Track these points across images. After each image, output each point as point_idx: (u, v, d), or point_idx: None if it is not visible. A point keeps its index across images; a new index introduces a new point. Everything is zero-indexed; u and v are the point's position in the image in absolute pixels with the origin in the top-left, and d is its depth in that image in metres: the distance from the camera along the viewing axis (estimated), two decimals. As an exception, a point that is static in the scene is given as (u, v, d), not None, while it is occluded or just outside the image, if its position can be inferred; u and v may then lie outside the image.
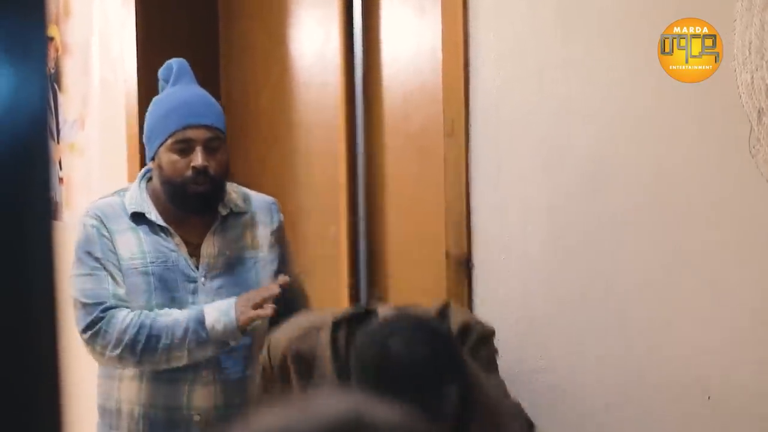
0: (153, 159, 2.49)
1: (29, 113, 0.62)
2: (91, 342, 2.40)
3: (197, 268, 2.49)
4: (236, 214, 2.56)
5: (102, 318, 2.38)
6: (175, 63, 2.54)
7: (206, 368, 2.47)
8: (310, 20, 3.15)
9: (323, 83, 3.08)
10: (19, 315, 0.63)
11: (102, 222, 2.47)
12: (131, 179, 3.34)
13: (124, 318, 2.37)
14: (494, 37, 2.36)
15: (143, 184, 2.54)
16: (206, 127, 2.46)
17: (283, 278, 2.44)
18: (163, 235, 2.49)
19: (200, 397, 2.47)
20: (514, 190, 2.32)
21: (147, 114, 2.53)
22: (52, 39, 3.84)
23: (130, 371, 2.48)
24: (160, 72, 2.55)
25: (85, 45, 3.67)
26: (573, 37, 2.20)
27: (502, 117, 2.35)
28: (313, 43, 3.13)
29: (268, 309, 2.35)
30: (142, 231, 2.48)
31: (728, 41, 1.94)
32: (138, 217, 2.49)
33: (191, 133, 2.44)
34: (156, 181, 2.51)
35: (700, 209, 1.99)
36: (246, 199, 2.61)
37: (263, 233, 2.57)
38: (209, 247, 2.52)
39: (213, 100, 2.55)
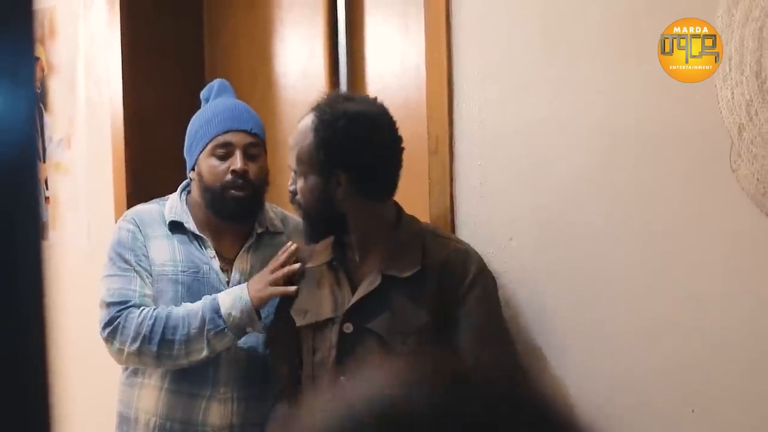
0: (193, 168, 2.51)
1: (18, 135, 0.63)
2: (110, 339, 2.41)
3: (227, 282, 2.49)
4: (272, 233, 2.56)
5: (120, 315, 2.40)
6: (216, 82, 2.61)
7: (225, 385, 2.47)
8: (295, 38, 3.17)
9: (308, 101, 3.09)
10: (8, 336, 0.63)
11: (137, 226, 2.49)
12: (118, 198, 3.35)
13: (140, 312, 2.39)
14: (477, 54, 2.38)
15: (183, 196, 2.56)
16: (246, 132, 2.48)
17: (292, 247, 2.37)
18: (197, 244, 2.51)
19: (216, 414, 2.46)
20: (499, 206, 2.34)
21: (188, 128, 2.56)
22: (38, 59, 3.84)
23: (151, 380, 2.48)
24: (202, 93, 2.60)
25: (71, 65, 3.68)
26: (555, 54, 2.21)
27: (486, 134, 2.36)
28: (298, 60, 3.14)
29: (291, 288, 2.30)
30: (178, 240, 2.50)
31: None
32: (175, 227, 2.51)
33: (231, 137, 2.46)
34: (195, 192, 2.53)
35: (683, 224, 2.00)
36: (284, 219, 2.61)
37: None
38: (242, 263, 2.52)
39: (254, 111, 2.57)
